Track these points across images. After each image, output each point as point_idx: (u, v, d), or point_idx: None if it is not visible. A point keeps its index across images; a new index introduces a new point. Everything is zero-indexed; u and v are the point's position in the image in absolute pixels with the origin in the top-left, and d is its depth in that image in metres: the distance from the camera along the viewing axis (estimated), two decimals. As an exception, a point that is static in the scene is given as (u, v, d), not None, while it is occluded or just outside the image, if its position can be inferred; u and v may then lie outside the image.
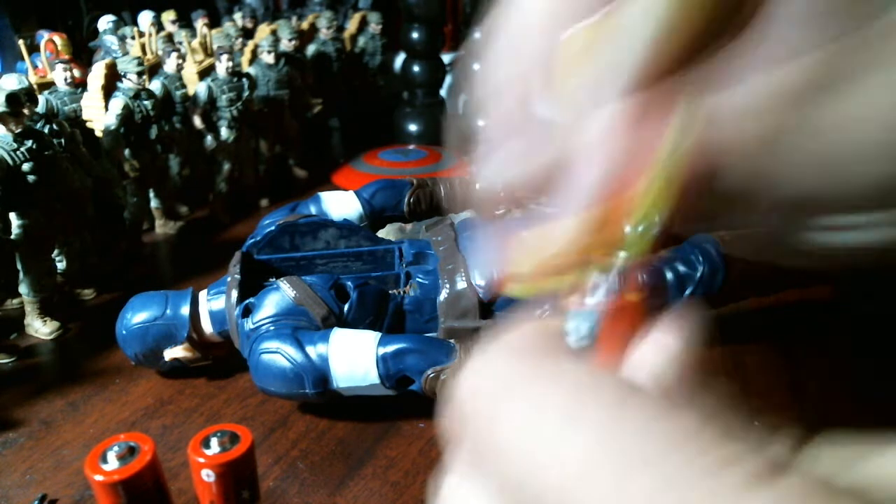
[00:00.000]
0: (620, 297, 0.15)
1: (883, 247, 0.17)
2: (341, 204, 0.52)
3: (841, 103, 0.15)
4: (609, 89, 0.16)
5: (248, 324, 0.42)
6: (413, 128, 1.02)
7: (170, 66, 0.71)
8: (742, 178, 0.16)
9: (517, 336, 0.16)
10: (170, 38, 0.80)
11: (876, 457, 0.13)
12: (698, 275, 0.45)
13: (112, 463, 0.27)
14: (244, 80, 0.74)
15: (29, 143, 0.50)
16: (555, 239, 0.17)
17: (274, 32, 0.83)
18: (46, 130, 0.54)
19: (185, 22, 0.91)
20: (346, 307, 0.43)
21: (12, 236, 0.51)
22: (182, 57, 0.71)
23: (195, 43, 0.78)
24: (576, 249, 0.17)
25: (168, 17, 0.89)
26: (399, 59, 1.09)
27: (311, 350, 0.40)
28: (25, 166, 0.50)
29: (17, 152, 0.49)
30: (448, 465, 0.16)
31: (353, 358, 0.39)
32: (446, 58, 1.11)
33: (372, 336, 0.40)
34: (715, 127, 0.16)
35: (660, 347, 0.15)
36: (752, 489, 0.11)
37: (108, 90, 0.63)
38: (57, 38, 0.67)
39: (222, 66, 0.71)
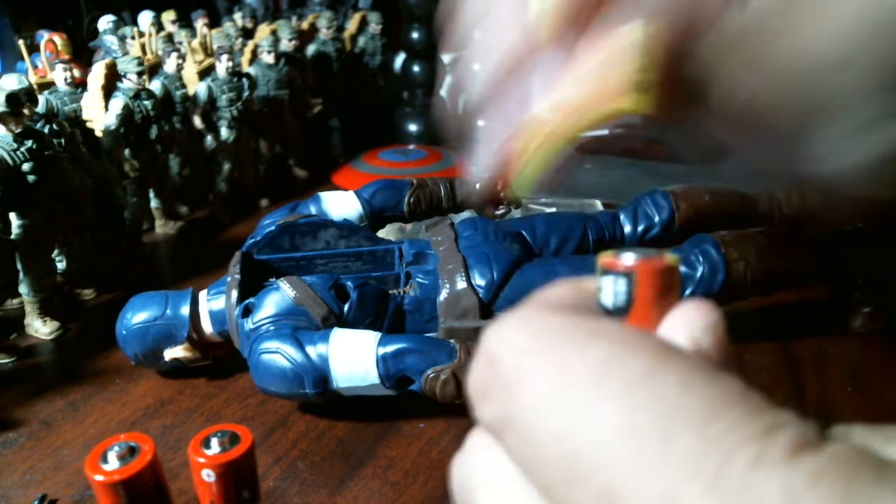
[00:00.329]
0: (657, 258, 0.15)
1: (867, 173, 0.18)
2: (341, 204, 0.52)
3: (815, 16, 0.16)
4: None
5: (248, 324, 0.42)
6: (413, 128, 1.02)
7: (170, 66, 0.71)
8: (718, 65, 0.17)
9: (552, 294, 0.16)
10: (170, 38, 0.80)
11: (892, 443, 0.13)
12: (698, 275, 0.45)
13: (112, 463, 0.27)
14: (244, 80, 0.74)
15: (29, 143, 0.50)
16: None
17: (274, 32, 0.83)
18: (46, 130, 0.54)
19: (185, 22, 0.91)
20: (346, 307, 0.43)
21: (12, 236, 0.51)
22: (182, 57, 0.71)
23: (195, 43, 0.78)
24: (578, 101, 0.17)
25: (168, 17, 0.89)
26: (399, 59, 1.09)
27: (311, 350, 0.40)
28: (25, 166, 0.50)
29: (17, 152, 0.49)
30: (475, 426, 0.16)
31: (353, 358, 0.39)
32: (446, 58, 1.11)
33: (372, 336, 0.40)
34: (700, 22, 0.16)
35: (697, 314, 0.14)
36: (798, 455, 0.11)
37: (108, 90, 0.63)
38: (57, 38, 0.67)
39: (222, 66, 0.71)
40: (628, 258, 0.15)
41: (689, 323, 0.14)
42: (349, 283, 0.43)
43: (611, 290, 0.15)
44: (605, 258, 0.16)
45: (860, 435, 0.13)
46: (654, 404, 0.12)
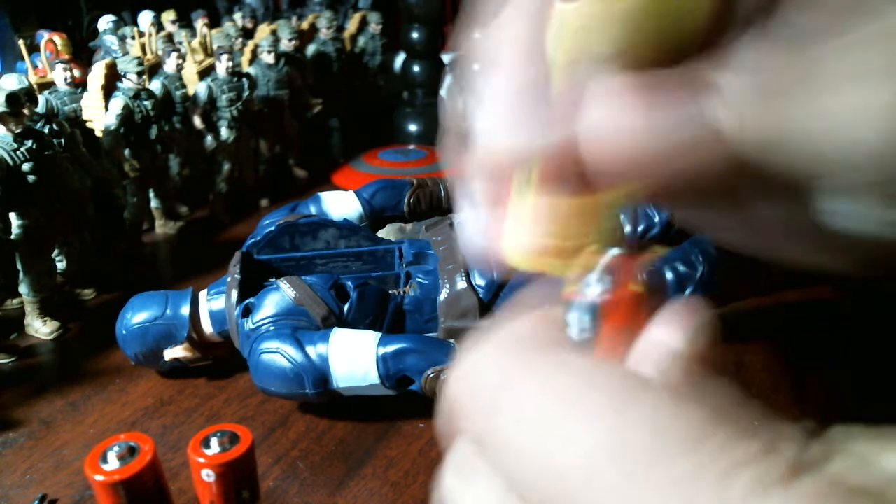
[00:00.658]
0: (622, 288, 0.15)
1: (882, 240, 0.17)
2: (341, 204, 0.52)
3: (841, 95, 0.15)
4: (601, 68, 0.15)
5: (248, 324, 0.42)
6: (413, 128, 1.02)
7: (170, 66, 0.71)
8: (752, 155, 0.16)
9: (518, 326, 0.15)
10: (170, 38, 0.80)
11: (891, 453, 0.12)
12: (698, 275, 0.45)
13: (112, 463, 0.27)
14: (244, 80, 0.74)
15: (29, 143, 0.50)
16: (545, 217, 0.16)
17: (274, 32, 0.83)
18: (46, 130, 0.54)
19: (185, 22, 0.91)
20: (346, 307, 0.43)
21: (12, 236, 0.51)
22: (182, 57, 0.71)
23: (195, 43, 0.78)
24: (566, 234, 0.16)
25: (168, 17, 0.89)
26: (399, 59, 1.09)
27: (311, 350, 0.40)
28: (25, 166, 0.50)
29: (17, 152, 0.49)
30: (446, 463, 0.16)
31: (353, 358, 0.39)
32: (446, 58, 1.12)
33: (372, 336, 0.40)
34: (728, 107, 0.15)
35: (690, 314, 0.14)
36: (765, 492, 0.10)
37: (108, 90, 0.63)
38: (57, 38, 0.67)
39: (222, 66, 0.71)
40: (612, 253, 0.15)
41: (682, 324, 0.14)
42: (349, 283, 0.43)
43: (575, 325, 0.15)
44: (569, 290, 0.15)
45: (860, 439, 0.12)
46: (621, 440, 0.11)
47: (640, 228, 0.51)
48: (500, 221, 0.17)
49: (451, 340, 0.41)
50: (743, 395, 0.12)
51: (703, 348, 0.14)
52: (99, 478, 0.26)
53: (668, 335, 0.14)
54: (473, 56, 0.17)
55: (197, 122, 0.73)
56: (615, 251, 0.15)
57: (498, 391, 0.13)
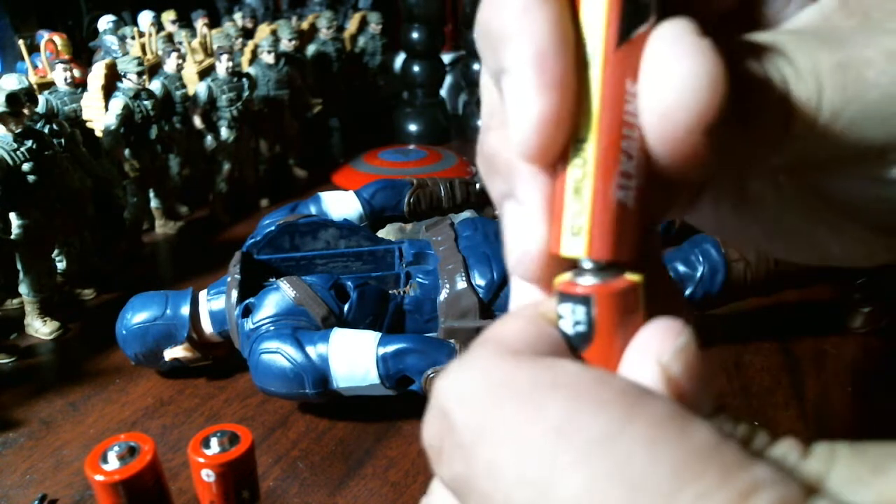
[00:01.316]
0: (617, 279, 0.14)
1: None
2: (341, 204, 0.52)
3: None
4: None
5: (248, 324, 0.42)
6: (413, 128, 1.03)
7: (170, 66, 0.71)
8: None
9: (506, 332, 0.14)
10: (170, 38, 0.80)
11: (892, 470, 0.12)
12: (698, 275, 0.45)
13: (112, 463, 0.27)
14: (244, 80, 0.74)
15: (29, 143, 0.50)
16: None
17: (274, 32, 0.83)
18: (46, 130, 0.54)
19: (185, 22, 0.91)
20: (346, 307, 0.43)
21: (12, 236, 0.51)
22: (182, 57, 0.71)
23: (195, 43, 0.78)
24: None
25: (168, 17, 0.89)
26: (399, 59, 1.09)
27: (311, 350, 0.40)
28: (25, 166, 0.50)
29: (17, 152, 0.49)
30: (433, 481, 0.15)
31: (353, 358, 0.39)
32: (446, 58, 1.12)
33: (372, 336, 0.40)
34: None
35: (665, 337, 0.13)
36: None
37: (108, 90, 0.63)
38: (57, 38, 0.67)
39: (222, 66, 0.71)
40: (586, 280, 0.14)
41: (658, 348, 0.13)
42: (349, 283, 0.43)
43: (569, 317, 0.14)
44: (562, 281, 0.14)
45: (844, 461, 0.12)
46: (619, 473, 0.11)
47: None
48: (551, 223, 0.15)
49: (451, 340, 0.41)
50: (719, 435, 0.11)
51: (681, 379, 0.13)
52: (99, 478, 0.26)
53: (641, 370, 0.13)
54: (481, 37, 0.15)
55: (197, 122, 0.73)
56: (587, 278, 0.14)
57: (472, 436, 0.12)
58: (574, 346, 0.14)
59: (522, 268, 0.15)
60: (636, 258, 0.14)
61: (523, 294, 0.16)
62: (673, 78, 0.13)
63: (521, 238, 0.15)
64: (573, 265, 0.14)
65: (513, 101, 0.14)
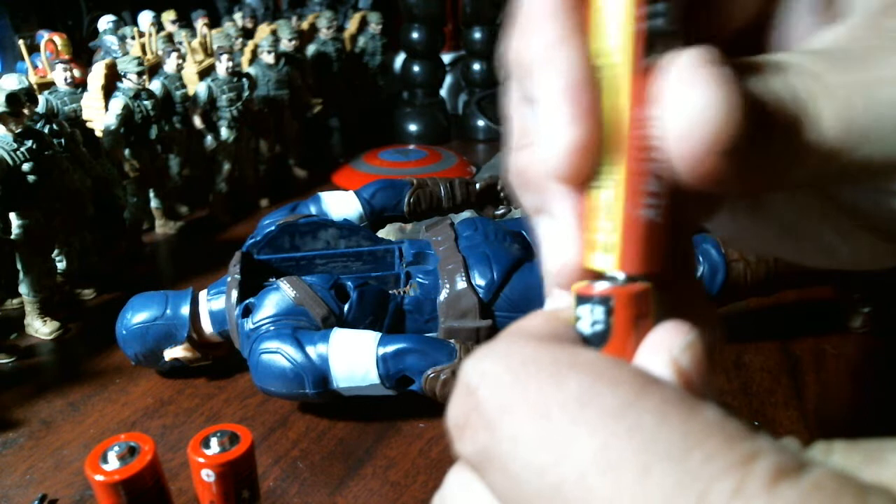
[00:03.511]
0: (618, 303, 0.15)
1: None
2: (341, 204, 0.52)
3: None
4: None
5: (248, 324, 0.42)
6: (413, 128, 1.03)
7: (170, 66, 0.71)
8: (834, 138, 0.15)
9: (530, 324, 0.15)
10: (170, 38, 0.80)
11: (890, 459, 0.12)
12: (698, 275, 0.45)
13: (112, 463, 0.27)
14: (244, 80, 0.74)
15: (29, 143, 0.50)
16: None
17: (274, 32, 0.83)
18: (46, 130, 0.54)
19: (185, 22, 0.91)
20: (346, 307, 0.43)
21: (12, 236, 0.51)
22: (182, 57, 0.72)
23: (195, 43, 0.78)
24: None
25: (168, 17, 0.89)
26: (399, 59, 1.09)
27: (311, 350, 0.40)
28: (25, 166, 0.50)
29: (17, 152, 0.49)
30: (455, 458, 0.16)
31: (353, 358, 0.40)
32: (446, 58, 1.12)
33: (372, 336, 0.40)
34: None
35: (675, 334, 0.14)
36: (778, 483, 0.11)
37: (108, 90, 0.63)
38: (57, 38, 0.67)
39: (222, 66, 0.71)
40: (602, 285, 0.15)
41: (669, 342, 0.14)
42: (349, 283, 0.43)
43: (588, 318, 0.15)
44: (579, 285, 0.15)
45: (840, 453, 0.13)
46: (632, 437, 0.12)
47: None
48: (583, 238, 0.16)
49: (451, 340, 0.41)
50: (726, 413, 0.12)
51: (688, 371, 0.14)
52: (99, 478, 0.26)
53: (653, 362, 0.14)
54: (511, 64, 0.17)
55: (197, 122, 0.73)
56: (604, 283, 0.15)
57: (497, 410, 0.13)
58: (591, 345, 0.15)
59: (560, 279, 0.16)
60: (664, 270, 0.15)
61: (560, 300, 0.17)
62: (690, 106, 0.14)
63: (559, 252, 0.16)
64: (598, 274, 0.15)
65: (546, 129, 0.15)
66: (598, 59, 0.15)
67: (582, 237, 0.16)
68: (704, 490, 0.11)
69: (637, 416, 0.12)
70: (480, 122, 1.03)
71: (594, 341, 0.15)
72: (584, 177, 0.15)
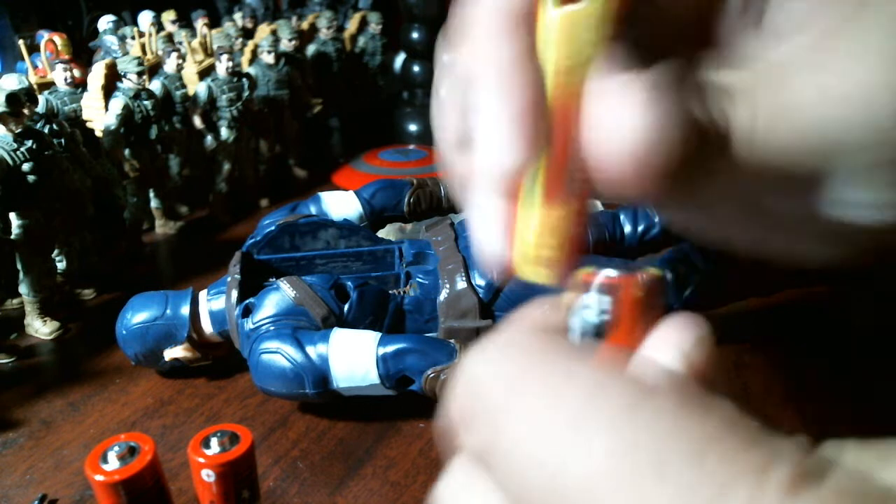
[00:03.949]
0: (625, 293, 0.14)
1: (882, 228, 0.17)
2: (341, 204, 0.52)
3: (843, 75, 0.15)
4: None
5: (248, 324, 0.42)
6: (413, 128, 1.02)
7: (170, 66, 0.71)
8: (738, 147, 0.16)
9: (535, 315, 0.15)
10: (170, 38, 0.80)
11: (884, 465, 0.12)
12: (697, 276, 0.45)
13: (112, 463, 0.27)
14: (244, 80, 0.74)
15: (29, 143, 0.50)
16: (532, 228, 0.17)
17: (274, 32, 0.83)
18: (46, 130, 0.54)
19: (185, 22, 0.91)
20: (346, 307, 0.43)
21: (12, 236, 0.51)
22: (182, 57, 0.71)
23: (195, 43, 0.78)
24: (563, 244, 0.16)
25: (168, 17, 0.89)
26: (399, 59, 1.09)
27: (311, 350, 0.40)
28: (25, 166, 0.50)
29: (17, 152, 0.49)
30: (448, 466, 0.15)
31: (353, 358, 0.40)
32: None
33: (372, 336, 0.40)
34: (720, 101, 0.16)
35: (686, 328, 0.14)
36: (797, 490, 0.10)
37: (108, 90, 0.63)
38: (57, 38, 0.67)
39: (222, 66, 0.71)
40: (609, 273, 0.15)
41: (679, 337, 0.14)
42: (349, 283, 0.43)
43: (594, 307, 0.15)
44: (584, 274, 0.15)
45: (853, 452, 0.12)
46: (644, 437, 0.11)
47: (640, 229, 0.51)
48: (507, 230, 0.17)
49: (451, 340, 0.41)
50: (741, 411, 0.12)
51: (700, 366, 0.13)
52: (99, 478, 0.26)
53: (663, 355, 0.14)
54: (453, 68, 0.18)
55: (197, 122, 0.73)
56: (611, 271, 0.15)
57: (503, 403, 0.13)
58: (597, 335, 0.15)
59: (489, 267, 0.18)
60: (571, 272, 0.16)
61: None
62: (624, 129, 0.15)
63: (488, 248, 0.17)
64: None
65: (490, 148, 0.16)
66: (544, 78, 0.16)
67: (513, 243, 0.17)
68: (719, 495, 0.10)
69: (649, 414, 0.11)
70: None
71: (600, 331, 0.15)
72: (516, 190, 0.16)
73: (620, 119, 0.15)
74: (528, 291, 0.45)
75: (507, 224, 0.17)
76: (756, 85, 0.16)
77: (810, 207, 0.17)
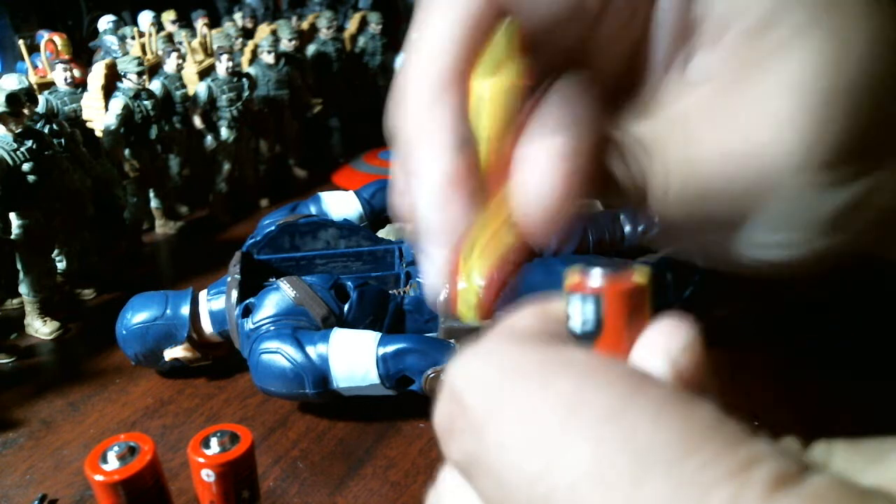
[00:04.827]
0: (625, 277, 0.14)
1: (803, 261, 0.19)
2: (341, 204, 0.52)
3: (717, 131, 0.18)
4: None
5: (248, 324, 0.42)
6: (413, 128, 1.02)
7: (170, 66, 0.71)
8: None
9: (519, 322, 0.15)
10: (170, 38, 0.80)
11: (893, 458, 0.12)
12: (697, 276, 0.45)
13: (112, 463, 0.27)
14: (244, 80, 0.74)
15: (29, 143, 0.50)
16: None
17: (274, 32, 0.83)
18: (46, 130, 0.54)
19: (185, 22, 0.91)
20: (346, 307, 0.43)
21: (12, 236, 0.51)
22: (182, 57, 0.72)
23: (195, 43, 0.78)
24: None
25: (168, 17, 0.89)
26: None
27: (311, 350, 0.40)
28: (25, 166, 0.50)
29: (17, 152, 0.49)
30: (444, 462, 0.15)
31: (353, 358, 0.40)
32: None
33: (372, 336, 0.40)
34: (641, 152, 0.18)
35: (674, 333, 0.14)
36: (777, 491, 0.10)
37: (108, 90, 0.63)
38: (57, 38, 0.67)
39: (222, 66, 0.71)
40: (595, 279, 0.14)
41: (667, 343, 0.14)
42: (349, 283, 0.43)
43: (579, 313, 0.15)
44: (571, 279, 0.15)
45: (841, 454, 0.12)
46: (625, 443, 0.11)
47: (640, 229, 0.51)
48: (449, 275, 0.19)
49: (451, 340, 0.41)
50: (724, 413, 0.12)
51: (688, 371, 0.13)
52: (99, 478, 0.26)
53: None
54: (395, 131, 0.19)
55: (197, 122, 0.73)
56: (596, 277, 0.15)
57: (484, 413, 0.13)
58: (583, 343, 0.15)
59: (431, 304, 0.20)
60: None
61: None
62: (536, 191, 0.17)
63: (430, 289, 0.19)
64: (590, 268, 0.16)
65: (422, 210, 0.18)
66: (473, 136, 0.18)
67: (455, 286, 0.19)
68: (700, 499, 0.10)
69: (630, 419, 0.11)
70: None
71: (586, 338, 0.14)
72: (456, 250, 0.18)
73: (541, 185, 0.17)
74: (529, 291, 0.45)
75: (447, 270, 0.19)
76: (668, 137, 0.18)
77: (732, 247, 0.19)
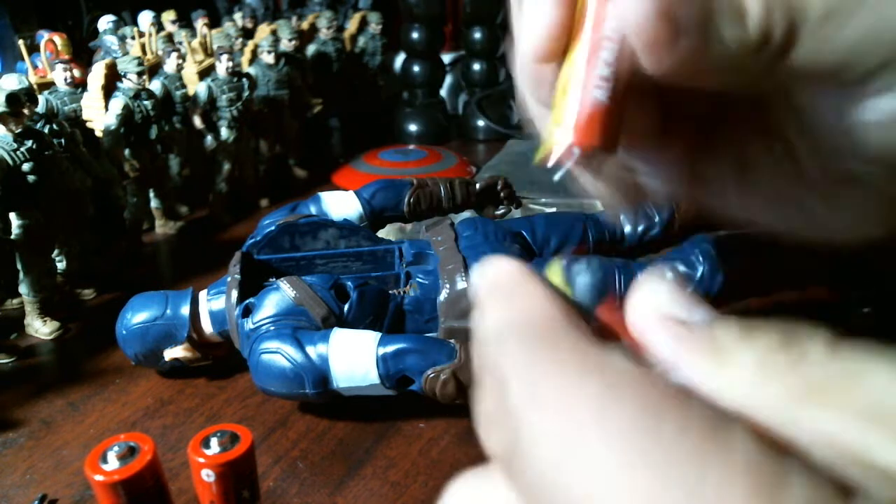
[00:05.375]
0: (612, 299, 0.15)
1: None
2: (341, 204, 0.52)
3: None
4: None
5: (249, 324, 0.42)
6: (413, 128, 1.03)
7: (170, 66, 0.71)
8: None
9: (522, 307, 0.14)
10: (170, 38, 0.80)
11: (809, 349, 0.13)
12: (698, 275, 0.45)
13: (112, 463, 0.27)
14: (244, 80, 0.74)
15: (29, 143, 0.50)
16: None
17: (274, 32, 0.83)
18: (46, 130, 0.54)
19: (185, 22, 0.91)
20: (346, 307, 0.43)
21: (12, 236, 0.51)
22: (182, 57, 0.72)
23: (195, 43, 0.78)
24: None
25: (168, 17, 0.89)
26: (399, 59, 1.09)
27: (311, 350, 0.40)
28: (25, 166, 0.50)
29: (18, 152, 0.49)
30: (445, 466, 0.15)
31: (353, 358, 0.40)
32: (446, 58, 1.12)
33: (372, 336, 0.40)
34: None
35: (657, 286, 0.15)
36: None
37: (108, 90, 0.63)
38: (57, 38, 0.67)
39: (222, 66, 0.71)
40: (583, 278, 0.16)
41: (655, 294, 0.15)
42: (349, 283, 0.43)
43: (576, 273, 0.16)
44: (553, 273, 0.16)
45: (762, 340, 0.13)
46: (655, 463, 0.11)
47: (640, 229, 0.51)
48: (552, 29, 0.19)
49: (451, 340, 0.41)
50: (760, 447, 0.11)
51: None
52: (99, 478, 0.26)
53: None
54: None
55: (197, 122, 0.73)
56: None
57: (521, 401, 0.13)
58: (586, 312, 0.15)
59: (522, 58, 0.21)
60: (610, 146, 0.18)
61: None
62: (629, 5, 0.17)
63: (528, 41, 0.20)
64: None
65: (529, 15, 0.19)
66: None
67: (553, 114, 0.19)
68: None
69: (659, 435, 0.11)
70: (480, 122, 1.03)
71: (587, 302, 0.15)
72: (554, 58, 0.19)
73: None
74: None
75: (552, 23, 0.19)
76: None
77: (859, 120, 0.18)
